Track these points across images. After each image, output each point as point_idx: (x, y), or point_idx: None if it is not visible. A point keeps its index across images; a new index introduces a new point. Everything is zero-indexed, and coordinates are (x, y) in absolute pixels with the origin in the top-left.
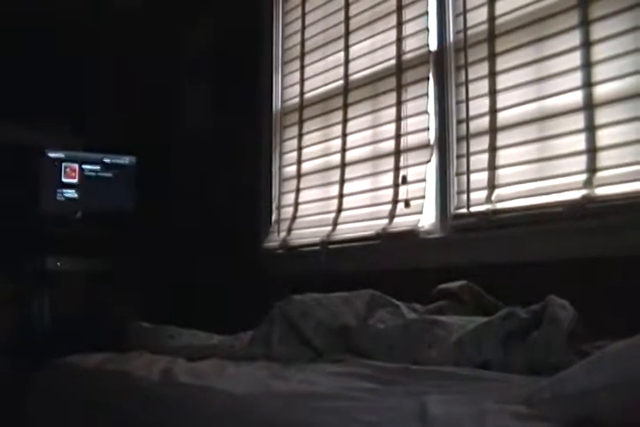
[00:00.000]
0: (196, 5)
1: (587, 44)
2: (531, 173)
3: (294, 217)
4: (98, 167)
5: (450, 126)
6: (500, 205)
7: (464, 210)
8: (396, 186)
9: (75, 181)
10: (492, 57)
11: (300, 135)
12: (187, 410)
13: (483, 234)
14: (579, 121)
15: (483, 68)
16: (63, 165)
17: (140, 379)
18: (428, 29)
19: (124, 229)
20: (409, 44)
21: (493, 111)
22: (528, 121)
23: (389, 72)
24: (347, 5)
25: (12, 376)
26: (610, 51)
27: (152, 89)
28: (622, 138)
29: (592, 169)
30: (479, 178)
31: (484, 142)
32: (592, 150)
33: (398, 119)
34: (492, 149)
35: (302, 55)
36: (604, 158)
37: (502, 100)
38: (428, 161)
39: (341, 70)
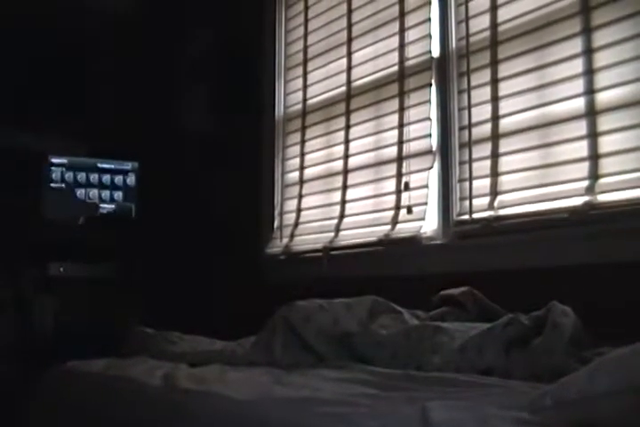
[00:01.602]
0: (198, 10)
1: (589, 51)
2: (533, 179)
3: (297, 223)
4: (100, 172)
5: (452, 133)
6: (502, 212)
7: (466, 216)
8: (398, 192)
9: (77, 186)
10: (494, 64)
11: (303, 141)
12: (189, 415)
13: (485, 240)
14: (581, 128)
15: (485, 75)
16: (66, 170)
17: (142, 384)
18: (430, 36)
19: (126, 234)
20: (411, 51)
21: (495, 118)
22: (530, 128)
23: (392, 78)
24: (349, 12)
25: (15, 381)
26: (612, 58)
27: (155, 95)
28: (624, 145)
29: (594, 176)
30: (481, 184)
31: (486, 149)
32: (594, 157)
33: (400, 126)
34: (495, 156)
35: (305, 61)
36: (606, 165)
37: (504, 107)
38: (431, 167)
39: (344, 77)
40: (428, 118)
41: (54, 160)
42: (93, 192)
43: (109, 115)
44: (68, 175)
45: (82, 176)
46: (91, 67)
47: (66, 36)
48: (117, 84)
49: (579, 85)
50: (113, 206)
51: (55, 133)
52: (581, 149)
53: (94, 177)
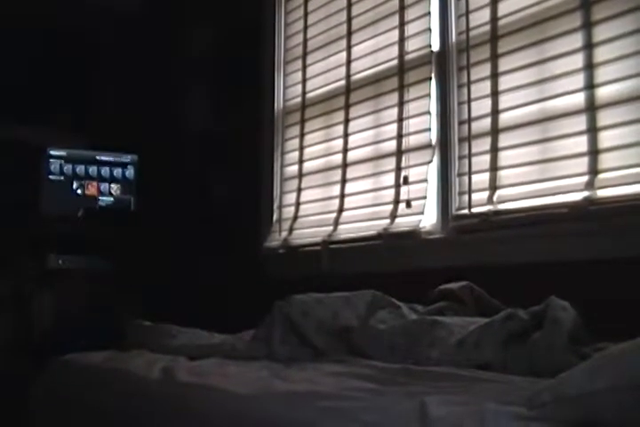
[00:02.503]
0: (198, 5)
1: (589, 46)
2: (532, 174)
3: (295, 217)
4: (99, 165)
5: (452, 127)
6: (501, 207)
7: (465, 211)
8: (397, 186)
9: (76, 178)
10: (494, 58)
11: (302, 135)
12: (187, 409)
13: (484, 235)
14: (581, 123)
15: (485, 69)
16: (64, 162)
17: (140, 378)
18: (430, 30)
19: (125, 227)
20: (411, 45)
21: (495, 112)
22: (530, 122)
23: (391, 72)
24: (349, 5)
25: (14, 375)
26: (612, 53)
27: (155, 88)
28: (624, 140)
29: (594, 171)
30: (481, 179)
31: (485, 143)
32: (594, 152)
33: (400, 119)
34: (494, 150)
35: (304, 55)
36: (605, 160)
37: (504, 102)
38: (430, 161)
39: (343, 70)
40: (428, 112)
41: (53, 152)
42: (92, 185)
43: (109, 107)
44: (67, 168)
45: (81, 169)
46: (91, 60)
47: (67, 32)
48: (117, 77)
49: (579, 80)
50: (111, 199)
51: (54, 126)
52: (581, 143)
53: (93, 170)
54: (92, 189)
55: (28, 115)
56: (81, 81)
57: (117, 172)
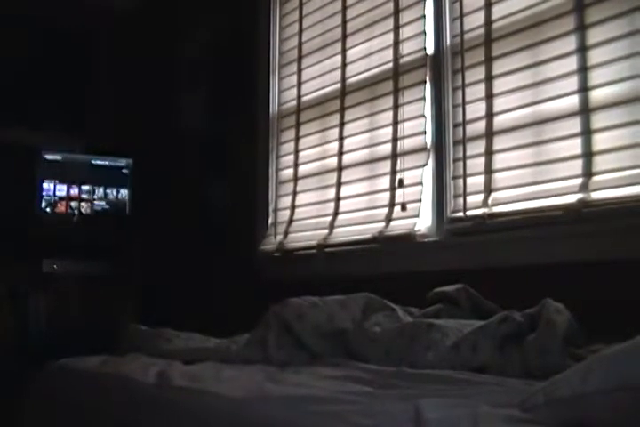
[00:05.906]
0: (194, 8)
1: (583, 49)
2: (527, 176)
3: (291, 220)
4: (94, 169)
5: (446, 130)
6: (496, 209)
7: (460, 213)
8: (392, 189)
9: (71, 182)
10: (488, 61)
11: (297, 138)
12: (182, 413)
13: (479, 237)
14: (575, 125)
15: (479, 72)
16: (60, 166)
17: (136, 382)
18: (424, 33)
19: (121, 231)
20: (406, 48)
21: (490, 115)
22: (524, 125)
23: (386, 75)
24: (344, 9)
25: (9, 378)
26: (606, 55)
27: (150, 91)
28: (618, 142)
29: (588, 173)
30: (475, 182)
31: (480, 146)
32: (588, 154)
33: (395, 123)
34: (489, 153)
35: (299, 58)
36: (599, 162)
37: (499, 104)
38: (425, 164)
39: (338, 73)
40: (423, 115)
41: (48, 157)
42: (87, 189)
43: (105, 112)
44: (62, 172)
45: (76, 173)
46: (88, 63)
47: (65, 34)
48: (114, 81)
49: (573, 83)
50: (106, 203)
51: (50, 130)
52: (575, 146)
53: (88, 174)
54: (86, 194)
55: (23, 119)
56: (77, 84)
57: (112, 176)
